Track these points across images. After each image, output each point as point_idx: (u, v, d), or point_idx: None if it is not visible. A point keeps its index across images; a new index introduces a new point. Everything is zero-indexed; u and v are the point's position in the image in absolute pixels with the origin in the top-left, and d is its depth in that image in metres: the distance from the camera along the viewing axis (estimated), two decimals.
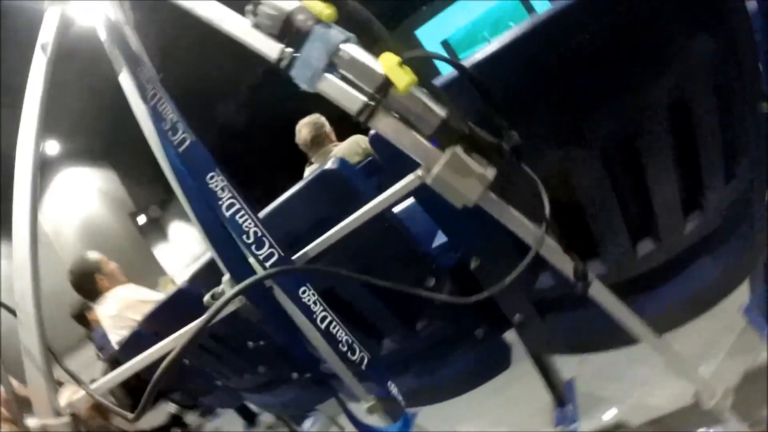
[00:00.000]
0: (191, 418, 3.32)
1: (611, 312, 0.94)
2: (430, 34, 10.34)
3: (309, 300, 1.05)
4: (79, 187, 10.29)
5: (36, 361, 0.94)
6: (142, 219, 11.21)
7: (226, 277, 1.05)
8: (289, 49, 0.80)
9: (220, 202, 0.98)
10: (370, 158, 2.93)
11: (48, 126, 1.02)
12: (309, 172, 3.31)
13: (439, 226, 1.37)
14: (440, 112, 0.78)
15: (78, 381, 1.03)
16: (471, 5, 10.08)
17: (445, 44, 10.13)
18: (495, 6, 9.95)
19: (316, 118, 3.48)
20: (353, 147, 3.34)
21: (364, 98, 0.79)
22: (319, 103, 0.98)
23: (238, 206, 0.98)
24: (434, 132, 0.79)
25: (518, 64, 0.97)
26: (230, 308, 1.00)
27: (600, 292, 0.92)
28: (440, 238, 1.54)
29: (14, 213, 0.97)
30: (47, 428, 0.94)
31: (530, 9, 9.94)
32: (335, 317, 1.07)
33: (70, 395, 1.01)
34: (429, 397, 1.64)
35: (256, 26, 0.82)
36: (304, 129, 3.45)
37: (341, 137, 3.46)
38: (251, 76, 8.15)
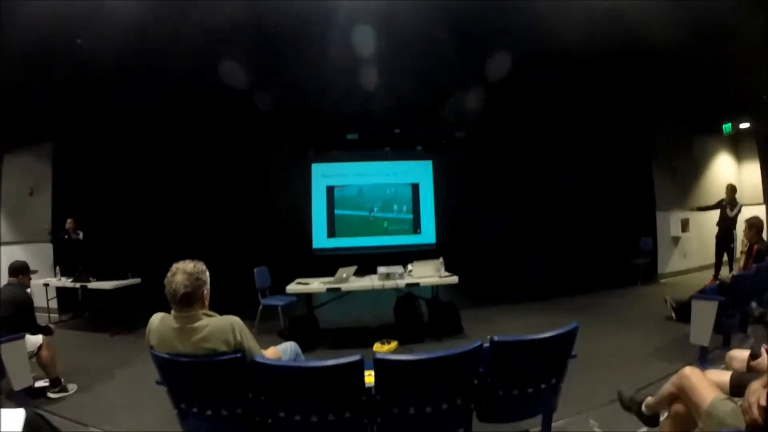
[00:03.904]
0: None
1: None
2: (322, 173, 12.64)
3: None
4: None
5: None
6: None
7: None
8: None
9: None
10: (238, 355, 2.72)
11: None
12: (160, 322, 2.87)
13: None
14: None
15: None
16: (366, 169, 12.78)
17: (330, 188, 12.57)
18: (388, 183, 12.77)
19: (200, 270, 2.86)
20: (225, 332, 2.76)
21: None
22: None
23: None
24: None
25: None
26: None
27: None
28: None
29: None
30: None
31: (416, 199, 12.74)
32: None
33: None
34: None
35: None
36: (180, 276, 2.77)
37: None
38: None
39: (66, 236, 9.23)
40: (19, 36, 5.65)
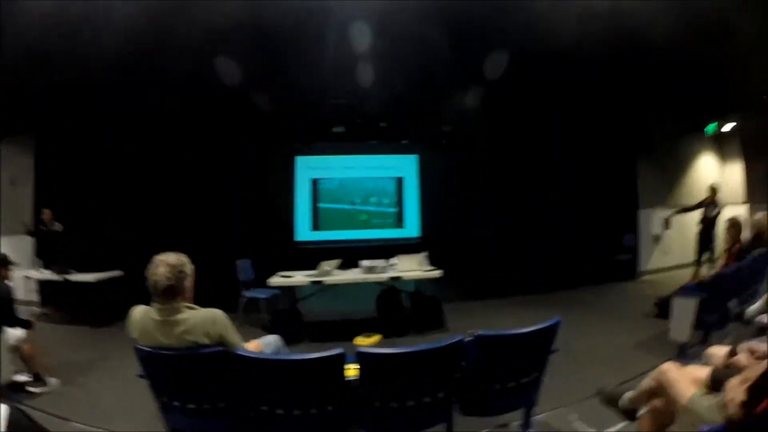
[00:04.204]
0: None
1: None
2: (307, 165, 12.59)
3: None
4: None
5: None
6: None
7: None
8: None
9: None
10: (220, 348, 2.72)
11: None
12: (142, 315, 2.85)
13: None
14: None
15: None
16: (351, 162, 12.76)
17: (314, 181, 12.52)
18: (369, 178, 12.69)
19: (182, 263, 2.84)
20: (206, 324, 2.76)
21: None
22: None
23: None
24: None
25: None
26: None
27: None
28: None
29: None
30: None
31: (400, 191, 12.71)
32: None
33: None
34: None
35: None
36: (162, 268, 2.75)
37: None
38: None
39: (43, 227, 8.98)
40: (18, 36, 5.61)
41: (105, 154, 9.42)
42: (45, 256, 8.74)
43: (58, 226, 9.04)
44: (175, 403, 2.83)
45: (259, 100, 8.33)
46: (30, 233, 9.03)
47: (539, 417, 3.58)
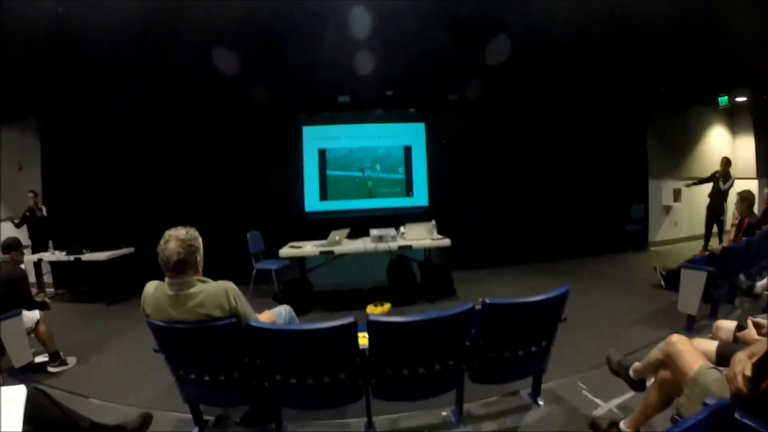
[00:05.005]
0: None
1: None
2: (314, 136, 12.33)
3: None
4: None
5: None
6: None
7: None
8: None
9: None
10: (233, 320, 2.74)
11: None
12: (154, 291, 2.87)
13: None
14: None
15: None
16: (358, 132, 12.54)
17: (321, 151, 12.29)
18: (380, 146, 12.50)
19: (193, 237, 2.85)
20: (219, 297, 2.79)
21: None
22: None
23: None
24: None
25: None
26: None
27: None
28: None
29: None
30: None
31: (409, 161, 12.50)
32: None
33: None
34: None
35: None
36: (172, 243, 2.75)
37: None
38: None
39: (27, 213, 8.72)
40: (18, 35, 5.61)
41: (110, 134, 9.41)
42: (34, 241, 8.68)
43: (44, 211, 8.91)
44: (191, 376, 2.89)
45: (258, 89, 8.34)
46: (17, 225, 8.74)
47: (548, 385, 3.63)
